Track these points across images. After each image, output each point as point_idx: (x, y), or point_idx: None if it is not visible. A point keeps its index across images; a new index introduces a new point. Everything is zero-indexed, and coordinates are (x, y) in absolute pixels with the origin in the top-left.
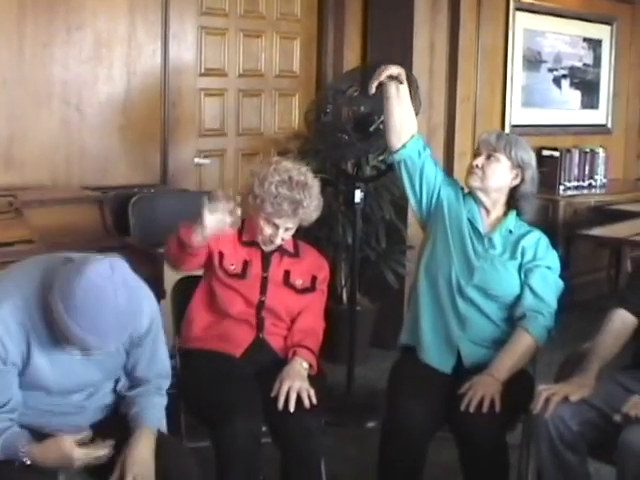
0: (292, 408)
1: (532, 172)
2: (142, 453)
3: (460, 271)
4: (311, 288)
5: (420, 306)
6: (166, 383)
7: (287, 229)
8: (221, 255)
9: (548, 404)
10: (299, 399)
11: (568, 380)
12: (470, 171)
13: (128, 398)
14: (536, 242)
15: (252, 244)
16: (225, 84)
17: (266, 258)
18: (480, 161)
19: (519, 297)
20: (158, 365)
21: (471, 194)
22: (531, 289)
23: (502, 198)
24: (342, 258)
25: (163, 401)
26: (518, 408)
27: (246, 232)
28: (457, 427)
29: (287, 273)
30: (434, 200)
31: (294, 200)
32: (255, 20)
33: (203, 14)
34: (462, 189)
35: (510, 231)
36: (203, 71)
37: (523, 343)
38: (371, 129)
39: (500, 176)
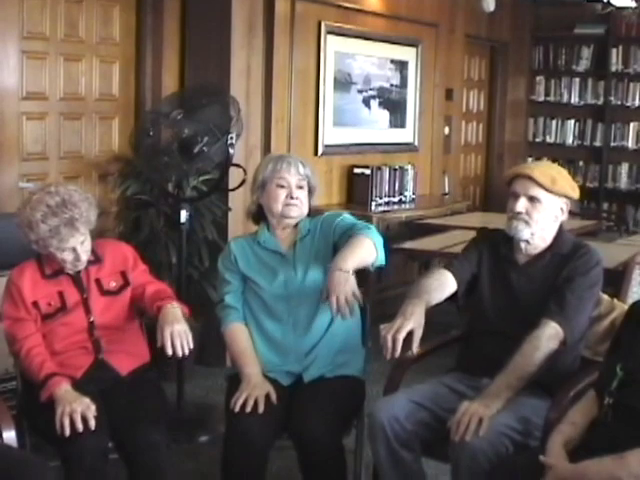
0: (180, 353)
1: (314, 177)
2: None
3: (276, 297)
4: (125, 284)
5: (251, 326)
6: None
7: (82, 242)
8: (35, 304)
9: (396, 344)
10: (145, 418)
11: (401, 310)
12: (289, 203)
13: None
14: (328, 216)
15: (58, 273)
16: (46, 108)
17: (77, 281)
18: (298, 193)
19: None
20: None
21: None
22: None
23: None
24: (166, 277)
25: None
26: (351, 413)
27: (47, 264)
28: (295, 434)
29: (98, 282)
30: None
31: (66, 221)
32: (75, 44)
33: (25, 38)
34: (251, 237)
35: (308, 230)
36: (25, 95)
37: (360, 240)
38: (195, 150)
39: (308, 199)
